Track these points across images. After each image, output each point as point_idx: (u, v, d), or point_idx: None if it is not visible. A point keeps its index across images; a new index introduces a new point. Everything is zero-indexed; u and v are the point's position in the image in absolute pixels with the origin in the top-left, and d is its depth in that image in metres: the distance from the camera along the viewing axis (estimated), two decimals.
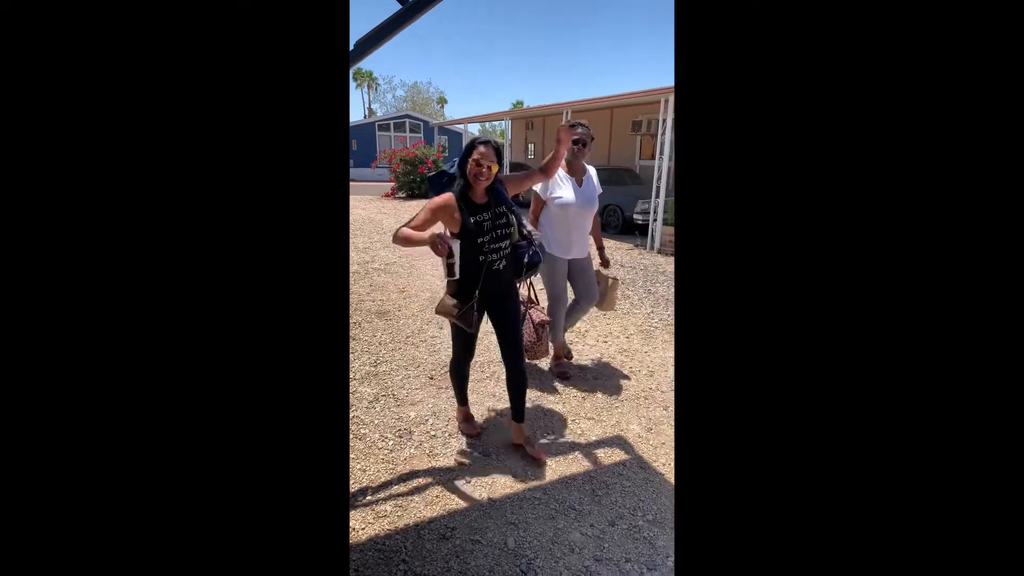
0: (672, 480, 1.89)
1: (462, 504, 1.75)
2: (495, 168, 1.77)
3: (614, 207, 7.31)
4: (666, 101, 6.26)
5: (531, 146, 13.55)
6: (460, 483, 1.86)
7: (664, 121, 6.34)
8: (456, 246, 1.73)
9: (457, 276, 1.79)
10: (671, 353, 3.08)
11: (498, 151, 1.81)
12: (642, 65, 76.91)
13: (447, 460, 2.00)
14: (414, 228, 1.75)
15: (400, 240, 1.72)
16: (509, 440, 2.12)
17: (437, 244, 1.61)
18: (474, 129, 25.99)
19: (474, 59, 77.51)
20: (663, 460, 2.01)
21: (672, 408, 2.42)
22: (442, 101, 37.17)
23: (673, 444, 2.11)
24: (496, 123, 30.00)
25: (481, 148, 1.77)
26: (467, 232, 1.77)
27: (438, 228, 1.74)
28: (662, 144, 6.37)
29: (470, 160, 1.77)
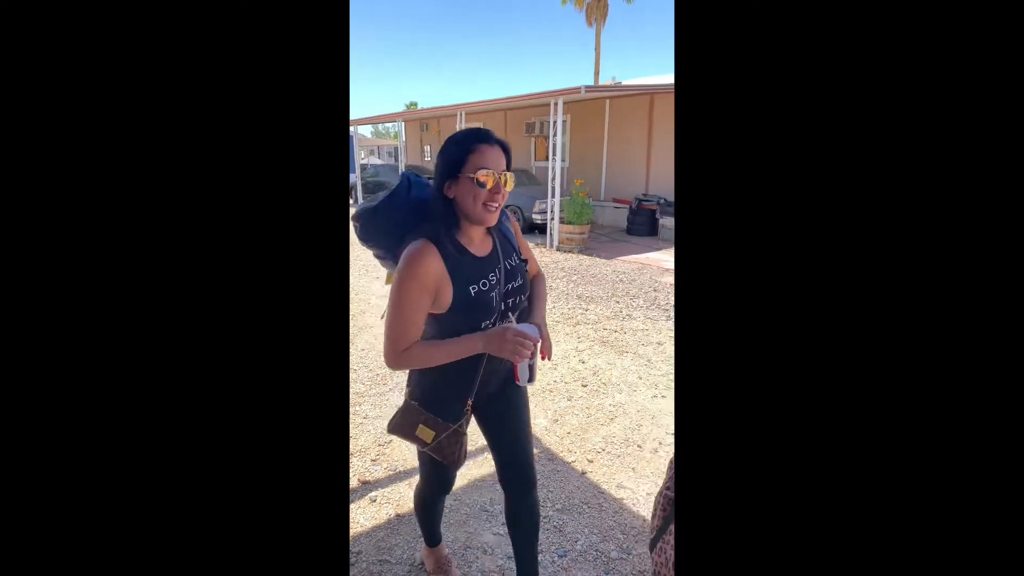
0: (578, 467, 1.96)
1: (367, 525, 1.65)
2: (511, 186, 0.95)
3: (514, 208, 7.47)
4: (555, 104, 6.53)
5: (427, 148, 13.35)
6: (365, 503, 1.76)
7: (555, 123, 6.61)
8: (533, 331, 0.96)
9: (535, 380, 1.06)
10: (572, 345, 3.21)
11: (507, 151, 0.96)
12: (535, 67, 79.77)
13: (350, 481, 1.88)
14: (409, 330, 0.93)
15: (416, 361, 0.96)
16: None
17: (520, 345, 0.89)
18: (366, 131, 25.04)
19: (366, 58, 74.74)
20: (568, 448, 2.08)
21: (575, 399, 2.52)
22: None
23: (577, 432, 2.20)
24: (389, 124, 29.20)
25: (484, 149, 0.90)
26: (463, 311, 0.95)
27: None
28: (554, 146, 6.63)
29: (463, 176, 0.90)
